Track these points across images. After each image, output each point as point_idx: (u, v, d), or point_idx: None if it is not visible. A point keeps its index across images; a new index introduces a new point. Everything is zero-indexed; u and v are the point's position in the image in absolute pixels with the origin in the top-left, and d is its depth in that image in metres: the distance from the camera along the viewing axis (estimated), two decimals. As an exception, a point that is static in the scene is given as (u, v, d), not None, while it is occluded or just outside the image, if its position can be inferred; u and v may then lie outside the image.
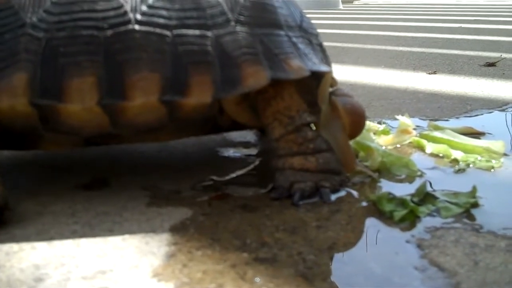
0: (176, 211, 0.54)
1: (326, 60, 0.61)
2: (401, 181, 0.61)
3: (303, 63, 0.56)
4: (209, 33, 0.53)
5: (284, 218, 0.52)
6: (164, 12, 0.53)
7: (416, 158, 0.69)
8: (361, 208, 0.54)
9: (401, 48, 1.91)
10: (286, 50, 0.56)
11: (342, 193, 0.57)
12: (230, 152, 0.73)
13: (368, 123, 0.75)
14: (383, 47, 1.98)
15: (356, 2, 6.79)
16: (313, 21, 0.64)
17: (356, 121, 0.59)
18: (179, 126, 0.57)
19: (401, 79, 1.29)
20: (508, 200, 0.56)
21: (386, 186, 0.60)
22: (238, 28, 0.55)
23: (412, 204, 0.52)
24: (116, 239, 0.48)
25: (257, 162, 0.68)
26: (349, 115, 0.58)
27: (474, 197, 0.54)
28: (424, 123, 0.85)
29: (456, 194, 0.55)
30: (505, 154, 0.68)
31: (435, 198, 0.55)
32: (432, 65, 1.49)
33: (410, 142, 0.74)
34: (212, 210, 0.54)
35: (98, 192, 0.59)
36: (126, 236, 0.48)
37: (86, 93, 0.50)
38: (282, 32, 0.57)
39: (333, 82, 0.60)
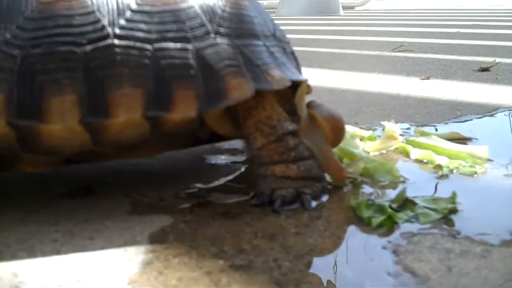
0: (158, 219, 0.54)
1: (299, 68, 0.61)
2: (383, 187, 0.62)
3: (283, 73, 0.56)
4: (190, 46, 0.53)
5: (264, 225, 0.52)
6: (143, 26, 0.52)
7: (401, 164, 0.69)
8: (341, 215, 0.54)
9: (396, 54, 1.92)
10: (266, 60, 0.56)
11: (324, 200, 0.58)
12: (217, 159, 0.73)
13: (353, 129, 0.75)
14: (380, 52, 1.98)
15: (357, 8, 6.79)
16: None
17: (336, 127, 0.59)
18: (161, 141, 0.57)
19: (394, 84, 1.30)
20: (487, 206, 0.57)
21: (368, 192, 0.60)
22: (219, 39, 0.55)
23: (390, 210, 0.52)
24: (95, 247, 0.48)
25: (242, 169, 0.69)
26: (328, 123, 0.58)
27: (453, 202, 0.54)
28: (413, 129, 0.85)
29: (435, 200, 0.56)
30: (489, 160, 0.69)
31: (414, 204, 0.55)
32: (426, 71, 1.49)
33: (396, 148, 0.75)
34: (193, 218, 0.54)
35: (83, 200, 0.59)
36: (106, 244, 0.49)
37: (66, 112, 0.49)
38: (260, 42, 0.57)
39: (308, 90, 0.60)
